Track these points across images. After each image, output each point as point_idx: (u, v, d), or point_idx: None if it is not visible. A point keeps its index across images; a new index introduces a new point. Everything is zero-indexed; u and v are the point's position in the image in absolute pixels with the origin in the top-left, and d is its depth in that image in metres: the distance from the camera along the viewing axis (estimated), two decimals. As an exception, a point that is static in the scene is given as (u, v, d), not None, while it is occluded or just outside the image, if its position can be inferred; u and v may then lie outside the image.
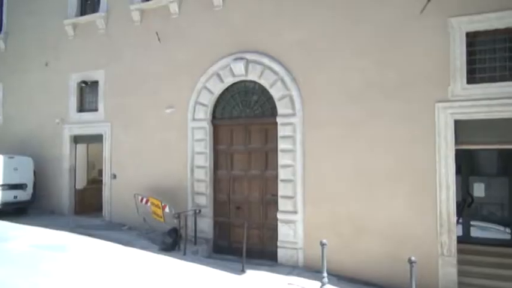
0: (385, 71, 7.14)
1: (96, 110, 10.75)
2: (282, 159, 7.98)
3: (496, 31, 6.56)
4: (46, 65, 11.62)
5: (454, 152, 6.64)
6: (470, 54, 6.69)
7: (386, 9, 7.19)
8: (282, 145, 8.01)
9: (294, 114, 7.91)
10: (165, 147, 9.43)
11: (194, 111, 9.03)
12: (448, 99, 6.67)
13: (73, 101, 11.11)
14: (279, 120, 8.07)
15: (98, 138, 10.63)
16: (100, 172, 11.36)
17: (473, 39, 6.70)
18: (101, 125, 10.55)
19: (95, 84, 10.78)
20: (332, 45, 7.61)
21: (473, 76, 6.66)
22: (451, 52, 6.69)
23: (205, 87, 8.89)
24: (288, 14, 8.05)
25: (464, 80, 6.62)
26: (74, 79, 11.07)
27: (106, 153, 10.46)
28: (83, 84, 10.99)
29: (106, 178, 10.44)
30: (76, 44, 11.08)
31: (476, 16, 6.54)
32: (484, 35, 6.67)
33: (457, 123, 6.67)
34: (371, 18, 7.30)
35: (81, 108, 11.14)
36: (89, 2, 11.29)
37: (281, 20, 8.12)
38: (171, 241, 8.08)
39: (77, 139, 11.27)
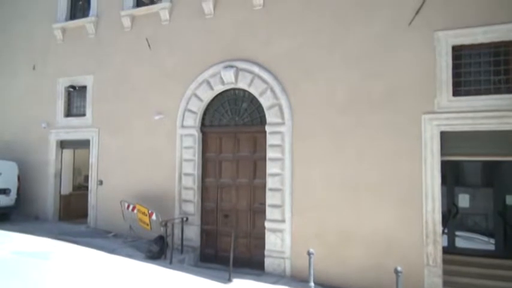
0: (372, 82, 7.22)
1: (83, 115, 10.64)
2: (271, 168, 7.99)
3: (481, 45, 6.69)
4: (33, 68, 11.49)
5: (439, 164, 6.73)
6: (456, 67, 6.80)
7: (375, 22, 7.30)
8: (270, 154, 8.02)
9: (282, 123, 7.94)
10: (153, 154, 9.36)
11: (183, 118, 9.00)
12: (434, 111, 6.77)
13: (60, 106, 10.99)
14: (267, 128, 8.09)
15: (85, 144, 10.51)
16: (86, 178, 11.21)
17: (458, 52, 6.83)
18: (88, 130, 10.45)
19: (83, 89, 10.69)
20: (321, 56, 7.68)
21: (458, 89, 6.77)
22: (437, 65, 6.81)
23: (195, 95, 8.88)
24: (278, 24, 8.11)
25: (450, 93, 6.73)
26: (62, 83, 10.95)
27: (93, 159, 10.34)
28: (71, 89, 10.88)
29: (92, 184, 10.30)
30: (65, 49, 10.99)
31: (461, 30, 6.67)
32: (469, 49, 6.80)
33: (443, 134, 6.76)
34: (359, 30, 7.40)
35: (68, 113, 11.02)
36: (79, 6, 11.24)
37: (271, 30, 8.18)
38: (158, 249, 8.00)
39: (63, 144, 11.13)
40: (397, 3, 7.10)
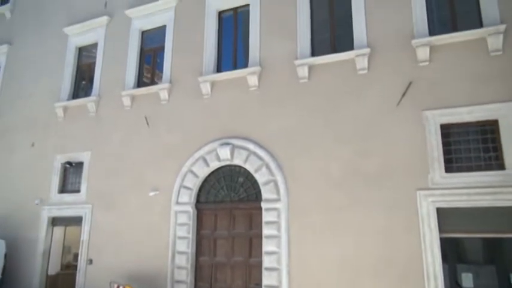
0: (366, 159, 7.36)
1: (78, 191, 10.57)
2: (267, 246, 7.79)
3: (468, 123, 6.95)
4: (32, 145, 11.64)
5: (439, 240, 6.62)
6: (446, 144, 6.99)
7: (365, 101, 7.64)
8: (266, 231, 7.88)
9: (278, 200, 7.91)
10: (146, 231, 9.16)
11: (178, 194, 8.96)
12: (428, 188, 6.83)
13: (55, 182, 10.94)
14: (263, 205, 8.04)
15: (77, 221, 10.30)
16: (76, 257, 10.79)
17: (447, 130, 7.06)
18: (81, 206, 10.30)
19: (79, 165, 10.74)
20: (315, 134, 7.90)
21: (450, 165, 6.90)
22: (428, 142, 7.00)
23: (191, 171, 8.95)
24: (273, 104, 8.46)
25: (443, 169, 6.83)
26: (59, 160, 11.03)
27: (84, 236, 10.06)
28: (67, 165, 10.92)
29: (81, 263, 9.90)
30: (65, 126, 11.24)
31: (448, 110, 6.98)
32: (457, 127, 7.05)
33: (439, 211, 6.74)
34: (351, 109, 7.71)
35: (62, 189, 10.94)
36: (82, 86, 11.73)
37: (266, 110, 8.50)
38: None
39: (55, 221, 10.89)
40: (385, 85, 7.50)
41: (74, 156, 10.84)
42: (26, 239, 10.83)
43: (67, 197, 10.70)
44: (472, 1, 7.39)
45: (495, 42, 6.80)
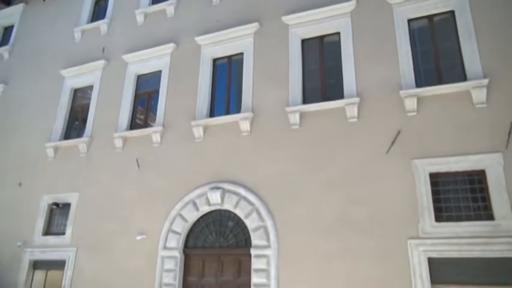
0: (356, 207, 7.35)
1: (63, 233, 10.28)
2: (255, 295, 7.56)
3: (456, 173, 7.05)
4: (19, 185, 11.45)
5: (431, 292, 6.49)
6: (435, 193, 7.04)
7: (355, 149, 7.74)
8: (255, 279, 7.67)
9: (268, 246, 7.77)
10: (131, 277, 8.84)
11: (166, 239, 8.77)
12: (419, 237, 6.79)
13: (40, 223, 10.66)
14: (253, 251, 7.88)
15: (59, 265, 9.93)
16: (56, 304, 10.31)
17: (436, 179, 7.13)
18: (65, 249, 9.98)
19: (66, 206, 10.53)
20: (306, 180, 7.92)
21: (440, 214, 6.91)
22: (418, 191, 7.05)
23: (180, 215, 8.82)
24: (264, 149, 8.54)
25: (433, 218, 6.83)
26: (46, 200, 10.81)
27: (66, 281, 9.66)
28: (54, 206, 10.70)
29: (60, 311, 9.45)
30: (54, 166, 11.13)
31: (436, 159, 7.10)
32: (445, 176, 7.12)
33: (431, 261, 6.67)
34: (341, 157, 7.80)
35: (47, 231, 10.63)
36: (75, 126, 11.76)
37: (258, 154, 8.56)
38: None
39: (36, 264, 10.48)
40: (375, 133, 7.65)
41: (61, 197, 10.66)
42: (5, 282, 10.36)
43: (51, 239, 10.39)
44: (456, 55, 7.73)
45: (479, 95, 7.06)
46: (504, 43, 7.29)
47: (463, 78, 7.40)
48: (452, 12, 7.97)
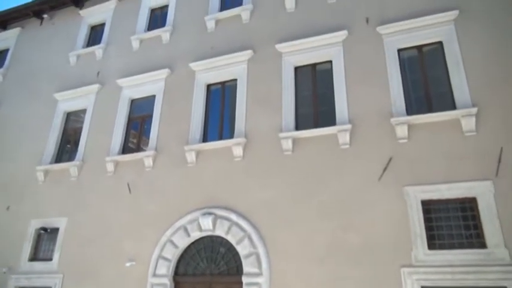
0: (349, 234, 7.30)
1: (50, 259, 10.02)
2: (246, 325, 7.37)
3: (448, 200, 7.07)
4: (7, 209, 11.24)
5: (426, 323, 6.39)
6: (427, 220, 7.03)
7: (347, 175, 7.76)
8: (246, 308, 7.51)
9: (260, 274, 7.64)
10: (119, 305, 8.61)
11: (156, 265, 8.59)
12: (412, 265, 6.73)
13: (27, 249, 10.40)
14: (244, 279, 7.74)
15: (45, 292, 9.66)
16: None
17: (428, 206, 7.13)
18: (51, 276, 9.70)
19: (54, 231, 10.31)
20: (298, 207, 7.89)
21: (433, 242, 6.87)
22: (410, 218, 7.04)
23: (171, 241, 8.68)
24: (257, 175, 8.52)
25: (426, 246, 6.80)
26: (33, 225, 10.59)
27: (51, 310, 9.38)
28: (42, 231, 10.47)
29: None
30: (44, 190, 10.97)
31: (428, 186, 7.13)
32: (438, 203, 7.13)
33: (425, 290, 6.60)
34: (334, 183, 7.81)
35: (34, 257, 10.36)
36: (67, 149, 11.67)
37: (250, 180, 8.53)
38: None
39: (21, 292, 10.19)
40: (367, 160, 7.69)
41: (50, 222, 10.46)
42: (-12, 311, 10.04)
43: (38, 265, 10.12)
44: (445, 84, 7.91)
45: (468, 123, 7.18)
46: (491, 72, 7.48)
47: (453, 106, 7.54)
48: (440, 43, 8.20)
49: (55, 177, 10.99)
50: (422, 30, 8.29)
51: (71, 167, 10.75)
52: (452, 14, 8.08)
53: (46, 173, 11.13)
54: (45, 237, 10.52)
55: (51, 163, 11.28)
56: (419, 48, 8.43)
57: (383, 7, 8.86)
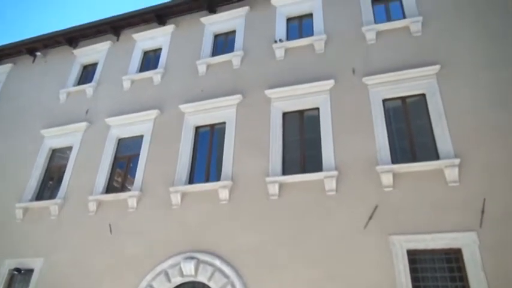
0: (334, 282, 7.15)
1: (21, 303, 9.53)
2: None
3: (433, 251, 7.03)
4: (-19, 248, 10.77)
5: None
6: (413, 271, 6.93)
7: (333, 222, 7.71)
8: None
9: (242, 324, 7.35)
10: None
11: (134, 312, 8.22)
12: (399, 318, 6.57)
13: (-3, 291, 9.91)
14: (225, 329, 7.43)
15: None
16: None
17: (414, 256, 7.07)
18: (21, 322, 9.18)
19: (29, 273, 9.84)
20: (283, 253, 7.75)
21: (419, 293, 6.77)
22: (396, 268, 6.95)
23: (150, 286, 8.35)
24: (242, 220, 8.41)
25: (413, 298, 6.68)
26: (7, 265, 10.12)
27: None
28: (15, 272, 9.99)
29: None
30: (22, 228, 10.58)
31: (413, 236, 7.11)
32: (423, 253, 7.07)
33: None
34: (319, 229, 7.73)
35: (4, 301, 9.86)
36: (49, 186, 11.42)
37: (235, 225, 8.41)
38: None
39: None
40: (353, 207, 7.69)
41: (25, 262, 10.01)
42: None
43: (7, 310, 9.59)
44: (429, 134, 8.11)
45: (451, 174, 7.31)
46: (473, 124, 7.72)
47: (436, 156, 7.70)
48: (423, 95, 8.51)
49: (34, 215, 10.67)
50: (406, 82, 8.62)
51: (51, 205, 10.46)
52: (434, 69, 8.46)
53: (25, 210, 10.81)
54: (19, 279, 10.03)
55: (31, 200, 10.99)
56: (403, 99, 8.72)
57: (369, 59, 9.24)
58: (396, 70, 8.75)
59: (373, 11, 10.14)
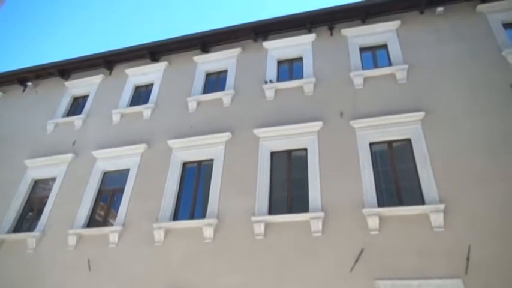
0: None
1: None
2: None
3: None
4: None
5: None
6: (399, 317, 6.81)
7: (319, 264, 7.56)
8: None
9: None
10: None
11: None
12: None
13: (-38, 329, 9.30)
14: None
15: None
16: None
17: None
18: None
19: (-2, 310, 9.37)
20: (267, 296, 7.54)
21: None
22: (381, 314, 6.81)
23: (127, 328, 7.98)
24: (226, 258, 8.22)
25: None
26: (-24, 302, 9.62)
27: None
28: (-16, 309, 9.50)
29: None
30: (-5, 262, 10.16)
31: (399, 281, 6.99)
32: None
33: None
34: (304, 271, 7.56)
35: None
36: (28, 217, 11.06)
37: (219, 263, 8.20)
38: None
39: None
40: (338, 249, 7.60)
41: (-5, 299, 9.53)
42: None
43: None
44: (414, 178, 8.20)
45: (437, 219, 7.35)
46: (457, 170, 7.86)
47: (422, 201, 7.76)
48: (409, 140, 8.69)
49: (10, 248, 10.24)
50: (392, 127, 8.83)
51: (28, 238, 10.10)
52: (419, 115, 8.71)
53: (1, 242, 10.40)
54: (-13, 317, 9.50)
55: (8, 232, 10.59)
56: (389, 143, 8.89)
57: (356, 103, 9.50)
58: (382, 115, 8.98)
59: (361, 58, 10.55)
